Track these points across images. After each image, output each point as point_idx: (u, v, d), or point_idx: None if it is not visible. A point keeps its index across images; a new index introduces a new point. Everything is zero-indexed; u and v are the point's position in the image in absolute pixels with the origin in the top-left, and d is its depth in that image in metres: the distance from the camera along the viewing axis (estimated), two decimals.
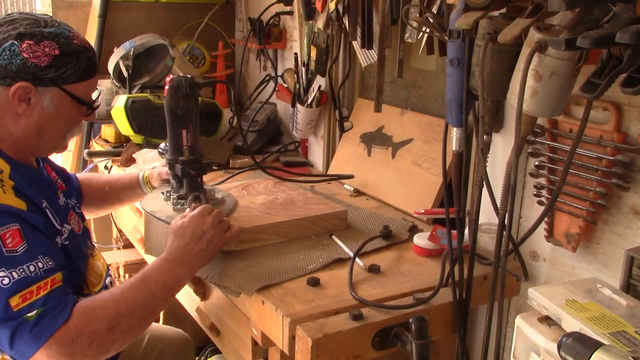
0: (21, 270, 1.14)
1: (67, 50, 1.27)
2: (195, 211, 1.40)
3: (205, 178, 2.03)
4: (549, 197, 1.33)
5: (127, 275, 2.64)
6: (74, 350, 1.14)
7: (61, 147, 1.42)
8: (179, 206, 1.58)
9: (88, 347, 1.15)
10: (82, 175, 1.77)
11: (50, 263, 1.19)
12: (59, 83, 1.28)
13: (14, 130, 1.29)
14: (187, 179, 1.59)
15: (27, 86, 1.25)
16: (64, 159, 2.75)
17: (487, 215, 1.51)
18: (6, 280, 1.12)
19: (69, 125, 1.36)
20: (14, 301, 1.12)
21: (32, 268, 1.15)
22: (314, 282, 1.33)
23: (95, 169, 2.48)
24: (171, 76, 1.56)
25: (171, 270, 1.30)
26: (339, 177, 2.04)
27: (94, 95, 1.39)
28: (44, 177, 1.42)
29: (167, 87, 1.55)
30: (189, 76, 1.58)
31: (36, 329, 1.12)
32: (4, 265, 1.13)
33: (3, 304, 1.12)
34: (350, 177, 2.00)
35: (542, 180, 1.37)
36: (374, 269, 1.40)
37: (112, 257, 2.59)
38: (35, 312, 1.13)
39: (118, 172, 2.24)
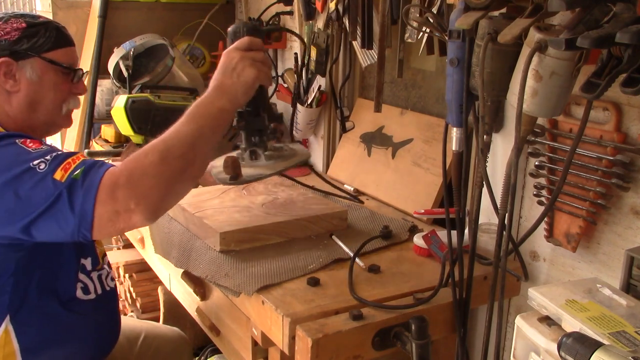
0: (50, 155, 1.19)
1: (33, 22, 1.35)
2: (233, 45, 1.37)
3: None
4: (549, 197, 1.33)
5: (126, 275, 2.65)
6: (129, 182, 1.15)
7: (62, 120, 1.45)
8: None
9: (143, 177, 1.16)
10: None
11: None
12: (35, 52, 1.34)
13: (10, 110, 1.35)
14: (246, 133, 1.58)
15: (8, 61, 1.31)
16: None
17: (487, 215, 1.51)
18: (42, 165, 1.17)
19: (59, 95, 1.40)
20: (59, 175, 1.15)
21: (58, 152, 1.21)
22: (314, 282, 1.33)
23: None
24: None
25: (212, 102, 1.30)
26: (329, 191, 1.91)
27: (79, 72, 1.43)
28: None
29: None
30: (248, 22, 1.52)
31: (87, 181, 1.15)
32: (34, 157, 1.18)
33: (51, 181, 1.15)
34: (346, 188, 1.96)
35: (542, 180, 1.37)
36: (373, 269, 1.40)
37: (112, 257, 2.59)
38: (79, 170, 1.16)
39: None
